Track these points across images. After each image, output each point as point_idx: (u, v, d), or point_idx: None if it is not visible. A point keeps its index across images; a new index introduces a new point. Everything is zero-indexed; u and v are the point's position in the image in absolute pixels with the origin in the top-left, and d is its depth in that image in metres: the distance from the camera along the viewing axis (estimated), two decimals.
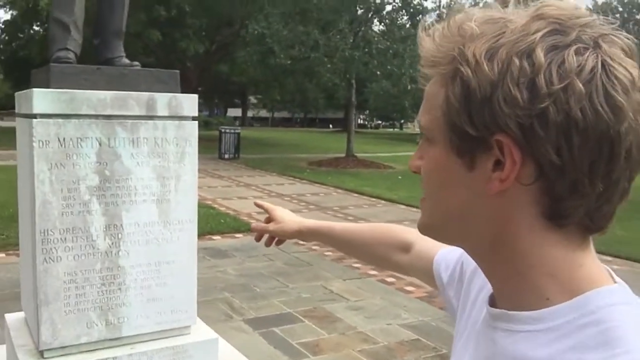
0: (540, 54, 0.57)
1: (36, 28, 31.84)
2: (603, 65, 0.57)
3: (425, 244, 1.08)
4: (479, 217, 0.65)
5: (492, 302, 0.71)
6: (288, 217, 1.41)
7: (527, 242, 0.63)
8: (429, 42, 0.66)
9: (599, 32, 0.59)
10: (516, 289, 0.65)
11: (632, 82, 0.57)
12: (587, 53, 0.57)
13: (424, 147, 0.70)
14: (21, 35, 34.54)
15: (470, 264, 0.87)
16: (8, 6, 31.35)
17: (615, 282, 0.65)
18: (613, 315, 0.59)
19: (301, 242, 7.87)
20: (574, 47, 0.57)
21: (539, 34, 0.58)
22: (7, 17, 35.01)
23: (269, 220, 1.43)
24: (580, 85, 0.56)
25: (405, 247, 1.14)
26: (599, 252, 0.67)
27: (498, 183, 0.61)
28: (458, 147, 0.63)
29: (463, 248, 0.74)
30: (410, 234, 1.16)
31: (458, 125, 0.62)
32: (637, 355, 0.56)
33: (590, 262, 0.64)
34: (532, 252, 0.63)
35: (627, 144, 0.58)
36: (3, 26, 36.04)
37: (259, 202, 1.52)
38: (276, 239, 1.43)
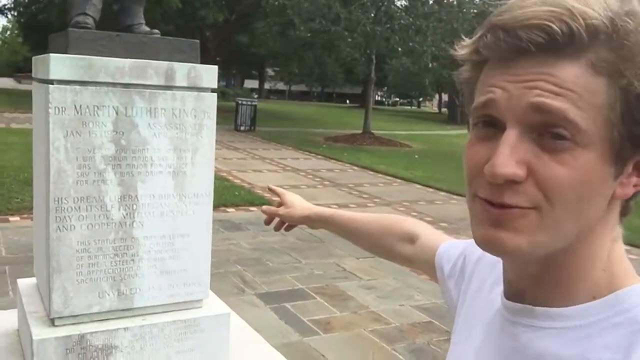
0: None
1: None
2: None
3: (430, 236, 1.07)
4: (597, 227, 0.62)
5: (510, 298, 0.68)
6: (298, 203, 1.41)
7: (604, 239, 0.61)
8: (583, 11, 0.53)
9: None
10: (560, 285, 0.62)
11: None
12: None
13: (528, 147, 0.56)
14: None
15: (473, 256, 0.86)
16: None
17: None
18: None
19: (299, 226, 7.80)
20: None
21: None
22: None
23: (280, 204, 1.43)
24: None
25: (411, 239, 1.13)
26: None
27: (632, 188, 0.59)
28: (618, 155, 0.56)
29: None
30: (416, 225, 1.15)
31: (634, 131, 0.55)
32: None
33: (624, 252, 0.64)
34: (603, 249, 0.62)
35: None
36: None
37: (272, 186, 1.54)
38: (286, 224, 1.42)
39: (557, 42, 0.54)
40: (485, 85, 0.60)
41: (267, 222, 1.46)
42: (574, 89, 0.54)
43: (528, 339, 0.63)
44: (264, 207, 1.48)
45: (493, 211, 0.58)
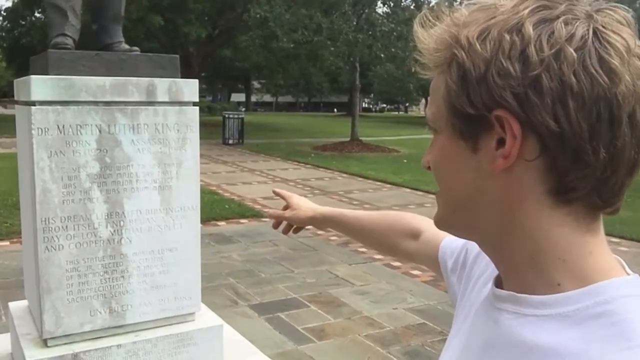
0: (529, 27, 0.58)
1: (38, 15, 31.67)
2: (595, 32, 0.58)
3: (434, 231, 1.07)
4: (487, 201, 0.64)
5: (498, 284, 0.70)
6: (304, 204, 1.44)
7: (535, 222, 0.62)
8: (426, 37, 0.68)
9: (595, 7, 0.60)
10: (526, 273, 0.64)
11: (627, 48, 0.57)
12: (577, 23, 0.58)
13: (432, 142, 0.71)
14: (23, 23, 34.40)
15: (474, 250, 0.89)
16: None
17: (628, 273, 0.64)
18: (627, 307, 0.58)
19: (306, 227, 7.83)
20: (563, 18, 0.58)
21: (527, 10, 0.60)
22: (9, 4, 34.86)
23: (286, 207, 1.46)
24: (572, 50, 0.56)
25: (414, 234, 1.15)
26: (605, 233, 0.67)
27: (502, 160, 0.61)
28: (461, 131, 0.64)
29: (473, 239, 0.73)
30: (421, 221, 1.17)
31: (458, 108, 0.63)
32: None
33: (601, 250, 0.63)
34: (541, 234, 0.62)
35: (629, 108, 0.57)
36: (5, 13, 35.91)
37: (277, 190, 1.57)
38: (294, 226, 1.46)
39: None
40: None
41: (275, 226, 1.50)
42: (431, 91, 0.69)
43: (510, 325, 0.64)
44: (271, 211, 1.51)
45: None
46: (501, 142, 0.60)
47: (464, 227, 0.71)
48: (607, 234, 0.66)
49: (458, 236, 0.77)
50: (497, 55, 0.59)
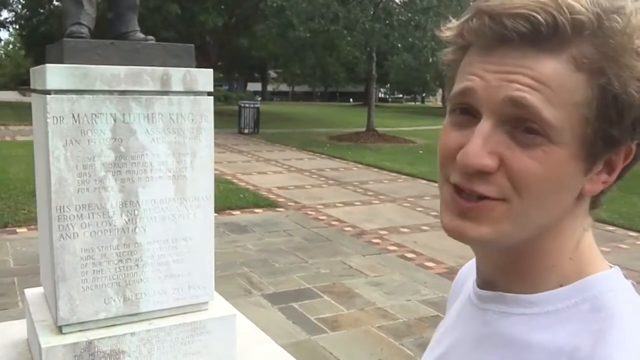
0: None
1: (56, 3, 31.86)
2: None
3: None
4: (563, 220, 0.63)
5: (481, 286, 0.69)
6: None
7: (573, 231, 0.63)
8: None
9: None
10: (529, 274, 0.63)
11: None
12: None
13: (502, 139, 0.57)
14: (42, 11, 34.67)
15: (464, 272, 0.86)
16: None
17: (609, 265, 0.65)
18: (614, 301, 0.59)
19: (320, 217, 7.89)
20: None
21: None
22: None
23: None
24: None
25: None
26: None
27: (601, 185, 0.60)
28: (590, 152, 0.57)
29: (500, 248, 0.65)
30: None
31: (607, 130, 0.56)
32: (637, 343, 0.55)
33: (592, 242, 0.65)
34: (572, 240, 0.63)
35: None
36: (24, 1, 36.20)
37: None
38: None
39: (541, 33, 0.54)
40: (465, 72, 0.60)
41: None
42: (551, 85, 0.54)
43: (499, 325, 0.64)
44: None
45: (461, 203, 0.59)
46: (604, 167, 0.60)
47: (512, 243, 0.62)
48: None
49: (483, 248, 0.66)
50: None
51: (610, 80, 0.54)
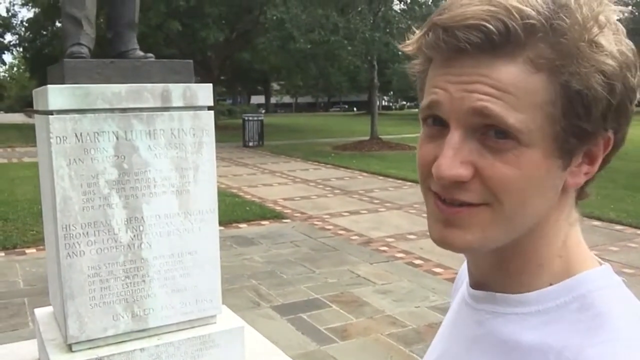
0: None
1: (59, 24, 32.17)
2: None
3: None
4: (548, 217, 0.63)
5: (474, 286, 0.70)
6: None
7: (560, 228, 0.63)
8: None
9: None
10: (518, 273, 0.64)
11: None
12: None
13: (473, 147, 0.57)
14: (44, 33, 35.02)
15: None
16: (30, 4, 31.71)
17: (599, 262, 0.65)
18: (603, 300, 0.59)
19: (327, 227, 7.89)
20: None
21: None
22: (30, 14, 35.49)
23: None
24: None
25: None
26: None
27: (583, 176, 0.61)
28: (563, 149, 0.58)
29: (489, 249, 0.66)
30: None
31: (577, 125, 0.57)
32: (627, 342, 0.55)
33: (581, 237, 0.65)
34: (558, 236, 0.63)
35: None
36: (27, 24, 36.57)
37: None
38: None
39: (494, 41, 0.54)
40: (430, 85, 0.60)
41: None
42: (511, 90, 0.54)
43: (491, 325, 0.64)
44: None
45: (445, 209, 0.60)
46: (584, 158, 0.60)
47: (499, 246, 0.62)
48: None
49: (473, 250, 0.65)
50: (627, 67, 0.57)
51: (571, 77, 0.54)
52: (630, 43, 0.58)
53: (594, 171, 0.61)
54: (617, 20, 0.57)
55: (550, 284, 0.61)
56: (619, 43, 0.56)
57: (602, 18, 0.55)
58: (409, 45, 0.63)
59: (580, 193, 0.64)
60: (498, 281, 0.65)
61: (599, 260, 0.65)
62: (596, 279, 0.61)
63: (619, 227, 7.23)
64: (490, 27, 0.53)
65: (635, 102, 0.59)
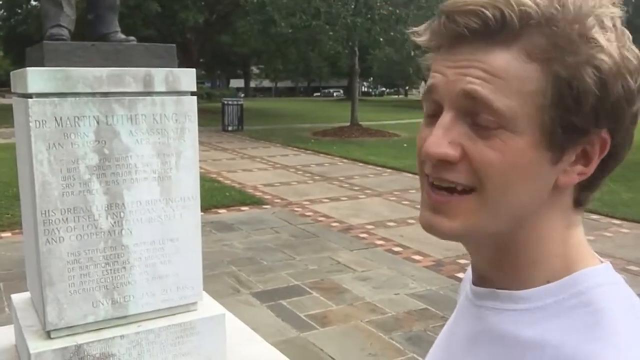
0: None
1: (34, 3, 31.50)
2: None
3: None
4: (538, 212, 0.63)
5: (476, 283, 0.71)
6: None
7: (554, 227, 0.63)
8: None
9: None
10: (514, 269, 0.64)
11: None
12: None
13: (463, 130, 0.59)
14: (19, 11, 34.26)
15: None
16: None
17: (600, 261, 0.65)
18: (601, 296, 0.60)
19: (307, 214, 7.89)
20: None
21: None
22: None
23: None
24: None
25: None
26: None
27: (577, 176, 0.61)
28: (559, 143, 0.58)
29: (483, 244, 0.67)
30: None
31: (566, 118, 0.57)
32: (624, 338, 0.56)
33: (582, 239, 0.65)
34: (554, 236, 0.63)
35: None
36: (1, 2, 35.70)
37: None
38: None
39: (490, 28, 0.56)
40: (432, 71, 0.62)
41: None
42: (502, 75, 0.56)
43: (492, 321, 0.65)
44: None
45: (435, 198, 0.62)
46: (579, 158, 0.60)
47: (488, 236, 0.63)
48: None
49: (462, 242, 0.67)
50: (625, 68, 0.57)
51: (562, 67, 0.55)
52: (637, 51, 0.58)
53: (588, 173, 0.60)
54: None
55: (548, 282, 0.62)
56: (622, 47, 0.57)
57: (604, 19, 0.57)
58: (421, 35, 0.64)
59: (579, 198, 0.64)
60: (499, 277, 0.66)
61: (600, 258, 0.65)
62: (595, 276, 0.61)
63: (594, 216, 7.34)
64: (487, 13, 0.55)
65: (637, 106, 0.59)
